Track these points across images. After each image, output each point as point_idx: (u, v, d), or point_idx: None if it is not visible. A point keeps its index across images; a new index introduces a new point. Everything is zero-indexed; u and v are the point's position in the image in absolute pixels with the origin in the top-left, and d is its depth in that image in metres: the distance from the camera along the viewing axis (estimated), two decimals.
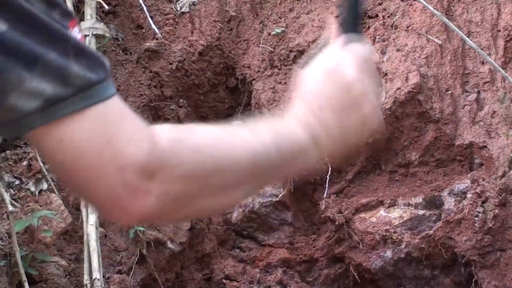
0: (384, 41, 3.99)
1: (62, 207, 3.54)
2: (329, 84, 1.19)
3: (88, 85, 1.00)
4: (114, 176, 1.00)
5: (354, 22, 1.25)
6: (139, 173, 1.00)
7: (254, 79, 4.18)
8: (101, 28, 3.87)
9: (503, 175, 3.70)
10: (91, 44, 3.80)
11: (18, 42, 0.97)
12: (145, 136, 1.03)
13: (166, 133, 1.05)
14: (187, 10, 4.21)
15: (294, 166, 1.17)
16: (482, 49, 3.80)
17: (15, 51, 0.97)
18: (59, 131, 1.00)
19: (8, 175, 3.54)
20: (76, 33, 1.02)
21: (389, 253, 3.92)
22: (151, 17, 4.14)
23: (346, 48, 1.21)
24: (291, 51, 4.18)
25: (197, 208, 1.10)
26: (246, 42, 4.26)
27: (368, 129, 1.20)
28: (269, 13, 4.29)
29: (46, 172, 3.56)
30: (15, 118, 0.98)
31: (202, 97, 4.26)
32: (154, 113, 4.14)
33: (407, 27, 3.97)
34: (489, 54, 3.82)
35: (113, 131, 1.01)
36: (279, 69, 4.16)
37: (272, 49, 4.19)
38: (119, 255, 3.69)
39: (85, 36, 3.81)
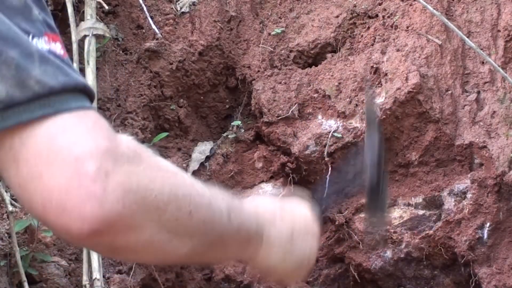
0: (384, 41, 3.99)
1: None
2: (299, 217, 1.32)
3: (49, 92, 0.89)
4: (71, 164, 0.88)
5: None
6: (99, 163, 0.89)
7: (254, 79, 4.18)
8: (101, 28, 3.87)
9: (503, 175, 3.70)
10: (91, 44, 3.80)
11: None
12: (111, 132, 0.93)
13: (134, 141, 0.97)
14: (187, 10, 4.21)
15: (233, 248, 1.13)
16: (482, 49, 3.80)
17: None
18: (13, 137, 0.89)
19: None
20: (58, 48, 0.93)
21: (389, 253, 3.92)
22: (151, 17, 4.14)
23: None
24: (291, 51, 4.18)
25: (146, 242, 0.96)
26: (246, 42, 4.26)
27: (304, 269, 1.30)
28: (269, 13, 4.29)
29: None
30: None
31: (202, 97, 4.26)
32: (154, 113, 4.14)
33: (407, 27, 3.97)
34: (489, 54, 3.82)
35: (73, 127, 0.90)
36: (279, 69, 4.16)
37: (272, 49, 4.19)
38: None
39: (85, 36, 3.80)
